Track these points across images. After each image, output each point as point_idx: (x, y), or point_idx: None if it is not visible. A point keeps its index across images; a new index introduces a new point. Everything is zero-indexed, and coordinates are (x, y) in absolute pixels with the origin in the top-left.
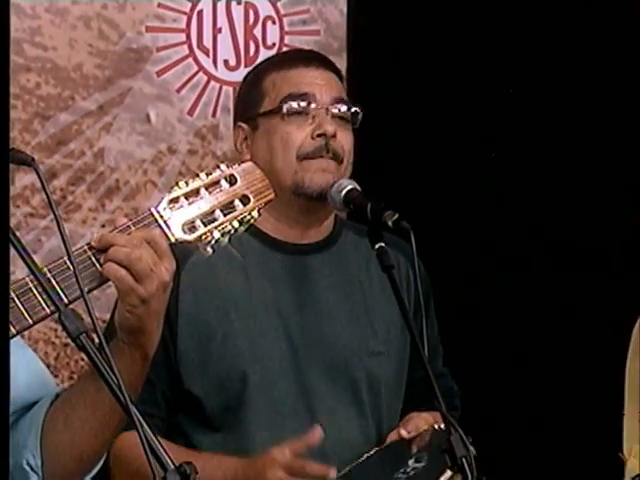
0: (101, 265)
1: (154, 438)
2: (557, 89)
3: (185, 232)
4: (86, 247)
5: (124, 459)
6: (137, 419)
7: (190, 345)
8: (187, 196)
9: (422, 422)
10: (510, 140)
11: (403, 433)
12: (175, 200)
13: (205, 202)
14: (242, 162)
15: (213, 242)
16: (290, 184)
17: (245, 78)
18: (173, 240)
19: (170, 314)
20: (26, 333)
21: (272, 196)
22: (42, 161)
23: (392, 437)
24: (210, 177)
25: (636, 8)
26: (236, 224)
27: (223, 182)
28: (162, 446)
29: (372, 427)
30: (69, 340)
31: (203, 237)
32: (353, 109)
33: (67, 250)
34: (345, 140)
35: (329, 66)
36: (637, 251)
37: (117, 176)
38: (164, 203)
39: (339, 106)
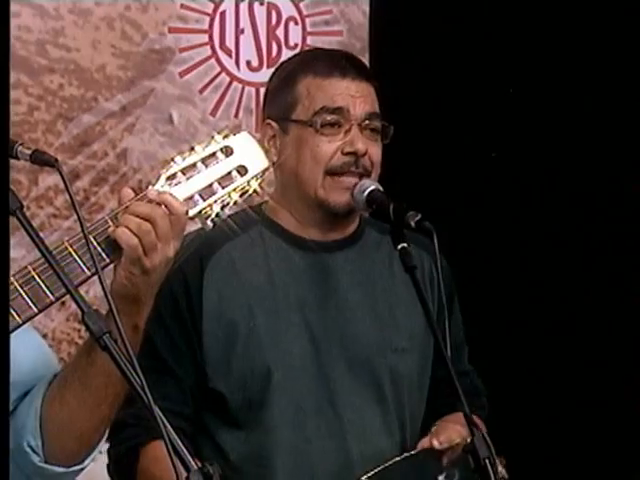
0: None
1: (177, 438)
2: (557, 89)
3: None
4: (107, 217)
5: (150, 473)
6: (160, 420)
7: (215, 342)
8: (184, 171)
9: (455, 435)
10: (510, 140)
11: (435, 444)
12: (172, 177)
13: (203, 176)
14: (237, 133)
15: (213, 216)
16: (314, 197)
17: (276, 71)
18: None
19: (195, 312)
20: (49, 333)
21: (268, 164)
22: (65, 162)
23: (423, 444)
24: (206, 150)
25: (636, 8)
26: (235, 196)
27: (219, 154)
28: (185, 446)
29: (395, 424)
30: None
31: (203, 212)
32: (385, 124)
33: (90, 252)
34: (374, 154)
35: (365, 76)
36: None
37: (140, 177)
38: (162, 181)
39: (372, 122)
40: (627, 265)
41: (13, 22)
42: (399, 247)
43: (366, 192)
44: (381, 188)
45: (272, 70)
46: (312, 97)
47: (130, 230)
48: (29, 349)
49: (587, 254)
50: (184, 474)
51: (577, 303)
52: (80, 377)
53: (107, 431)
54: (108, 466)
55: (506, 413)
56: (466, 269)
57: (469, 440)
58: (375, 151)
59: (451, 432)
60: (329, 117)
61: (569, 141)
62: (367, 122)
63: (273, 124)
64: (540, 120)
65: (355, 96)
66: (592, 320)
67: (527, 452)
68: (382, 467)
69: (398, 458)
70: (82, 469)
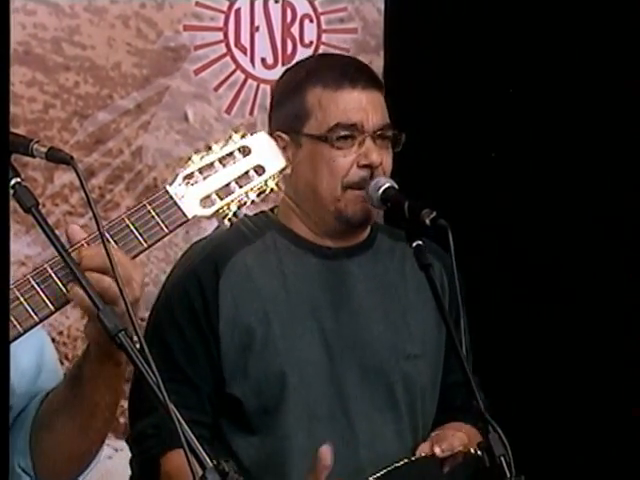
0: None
1: (193, 437)
2: (557, 89)
3: (202, 207)
4: (124, 216)
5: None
6: (175, 417)
7: (231, 347)
8: (201, 170)
9: (457, 442)
10: (510, 140)
11: (437, 451)
12: (190, 176)
13: (220, 175)
14: (254, 132)
15: (230, 215)
16: (333, 210)
17: (282, 78)
18: (190, 217)
19: (211, 317)
20: (65, 330)
21: (285, 164)
22: (81, 160)
23: (423, 449)
24: (223, 149)
25: (636, 8)
26: (253, 195)
27: (237, 153)
28: (201, 445)
29: (408, 431)
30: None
31: (220, 211)
32: (396, 133)
33: (106, 249)
34: (387, 163)
35: (374, 83)
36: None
37: (155, 174)
38: (179, 179)
39: (385, 132)
40: (631, 264)
41: (29, 20)
42: (414, 244)
43: (381, 190)
44: (396, 186)
45: (287, 67)
46: (324, 111)
47: (96, 271)
48: (29, 349)
49: (588, 254)
50: (200, 472)
51: (576, 303)
52: (67, 409)
53: (102, 446)
54: (131, 478)
55: (514, 416)
56: (465, 269)
57: (484, 438)
58: (387, 160)
59: (452, 440)
60: (343, 132)
61: (569, 141)
62: (379, 132)
63: (283, 136)
64: (540, 120)
65: (367, 109)
66: (593, 320)
67: (536, 453)
68: (379, 475)
69: (398, 464)
70: None
